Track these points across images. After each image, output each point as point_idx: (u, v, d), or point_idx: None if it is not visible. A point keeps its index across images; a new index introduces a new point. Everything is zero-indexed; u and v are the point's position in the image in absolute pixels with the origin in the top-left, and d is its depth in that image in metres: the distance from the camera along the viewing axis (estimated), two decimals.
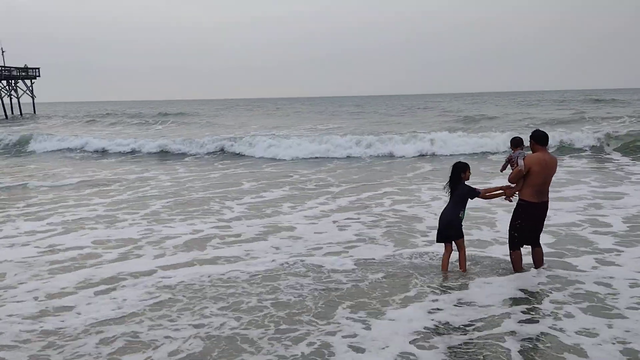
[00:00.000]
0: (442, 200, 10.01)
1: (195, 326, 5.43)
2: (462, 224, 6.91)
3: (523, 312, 5.63)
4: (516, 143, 7.04)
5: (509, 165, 6.93)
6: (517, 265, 6.92)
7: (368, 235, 9.01)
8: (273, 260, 7.65)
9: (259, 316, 5.65)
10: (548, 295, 6.10)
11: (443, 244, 7.04)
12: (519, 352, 4.70)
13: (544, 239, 7.58)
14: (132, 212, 11.27)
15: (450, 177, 6.89)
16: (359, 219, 10.21)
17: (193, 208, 11.56)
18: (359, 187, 13.99)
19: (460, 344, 4.88)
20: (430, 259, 7.52)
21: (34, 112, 68.27)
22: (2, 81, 64.39)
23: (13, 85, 65.97)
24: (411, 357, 4.67)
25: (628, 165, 16.96)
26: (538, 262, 6.99)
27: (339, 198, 12.39)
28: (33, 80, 66.50)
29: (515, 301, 5.97)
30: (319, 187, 14.27)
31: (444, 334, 5.14)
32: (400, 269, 7.17)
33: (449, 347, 4.83)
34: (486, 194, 6.98)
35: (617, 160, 18.18)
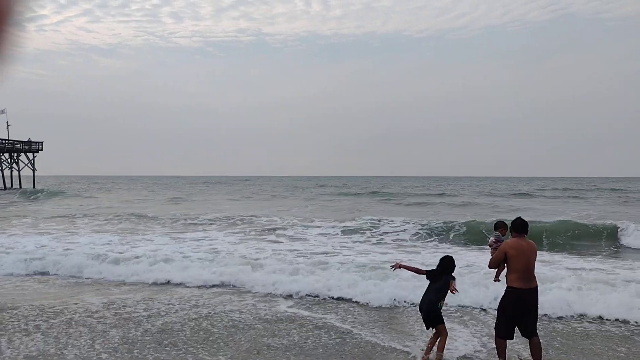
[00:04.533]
0: None
1: None
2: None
3: None
4: (497, 226, 7.28)
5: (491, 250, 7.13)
6: (501, 354, 6.80)
7: None
8: None
9: None
10: None
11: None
12: None
13: None
14: None
15: (446, 266, 6.99)
16: None
17: None
18: None
19: None
20: None
21: (34, 185, 68.92)
22: (5, 154, 65.51)
23: (15, 158, 67.05)
24: None
25: None
26: (535, 353, 6.76)
27: None
28: (35, 154, 67.64)
29: None
30: None
31: None
32: None
33: None
34: (452, 288, 6.90)
35: None
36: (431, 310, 6.90)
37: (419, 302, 7.15)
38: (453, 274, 7.02)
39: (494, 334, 6.97)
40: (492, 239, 7.19)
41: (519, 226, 6.77)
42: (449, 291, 6.87)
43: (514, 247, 6.64)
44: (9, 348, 6.94)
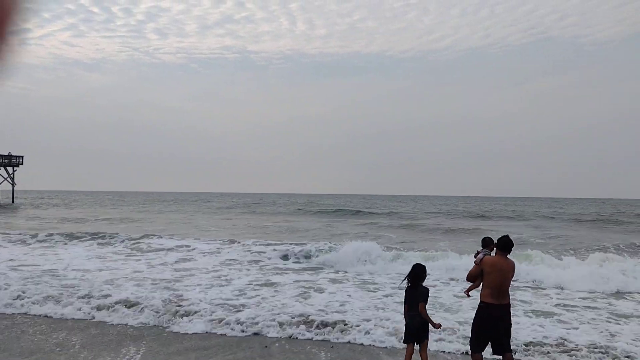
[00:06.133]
0: None
1: None
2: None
3: None
4: (485, 243, 7.41)
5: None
6: None
7: None
8: None
9: None
10: None
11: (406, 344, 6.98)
12: None
13: None
14: None
15: (415, 276, 6.88)
16: None
17: None
18: None
19: None
20: None
21: (13, 200, 68.57)
22: None
23: None
24: None
25: None
26: None
27: None
28: (15, 168, 67.29)
29: None
30: None
31: None
32: None
33: None
34: (423, 312, 6.82)
35: None
36: (422, 325, 6.80)
37: (406, 320, 6.94)
38: (424, 287, 6.93)
39: (470, 351, 7.04)
40: (480, 255, 7.27)
41: (503, 244, 6.89)
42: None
43: (492, 264, 6.79)
44: None
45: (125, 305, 10.45)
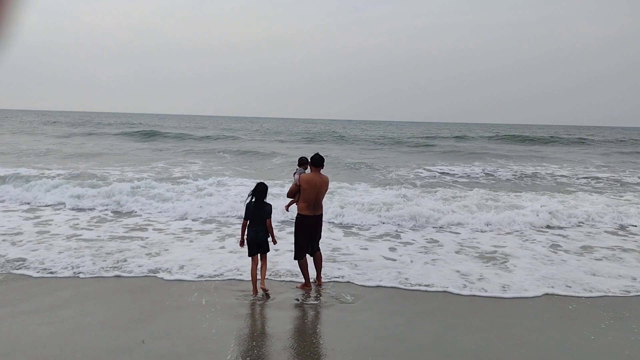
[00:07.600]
0: None
1: None
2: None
3: None
4: (301, 162, 7.92)
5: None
6: (305, 271, 7.61)
7: None
8: None
9: None
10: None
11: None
12: None
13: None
14: None
15: (260, 194, 7.31)
16: None
17: None
18: None
19: None
20: None
21: None
22: None
23: None
24: None
25: None
26: (318, 265, 7.76)
27: None
28: None
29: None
30: None
31: None
32: None
33: None
34: (270, 227, 7.35)
35: None
36: (264, 238, 7.33)
37: (249, 234, 7.34)
38: (270, 206, 7.40)
39: (295, 258, 7.72)
40: (296, 176, 7.72)
41: (316, 161, 7.56)
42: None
43: (308, 181, 7.44)
44: None
45: None
